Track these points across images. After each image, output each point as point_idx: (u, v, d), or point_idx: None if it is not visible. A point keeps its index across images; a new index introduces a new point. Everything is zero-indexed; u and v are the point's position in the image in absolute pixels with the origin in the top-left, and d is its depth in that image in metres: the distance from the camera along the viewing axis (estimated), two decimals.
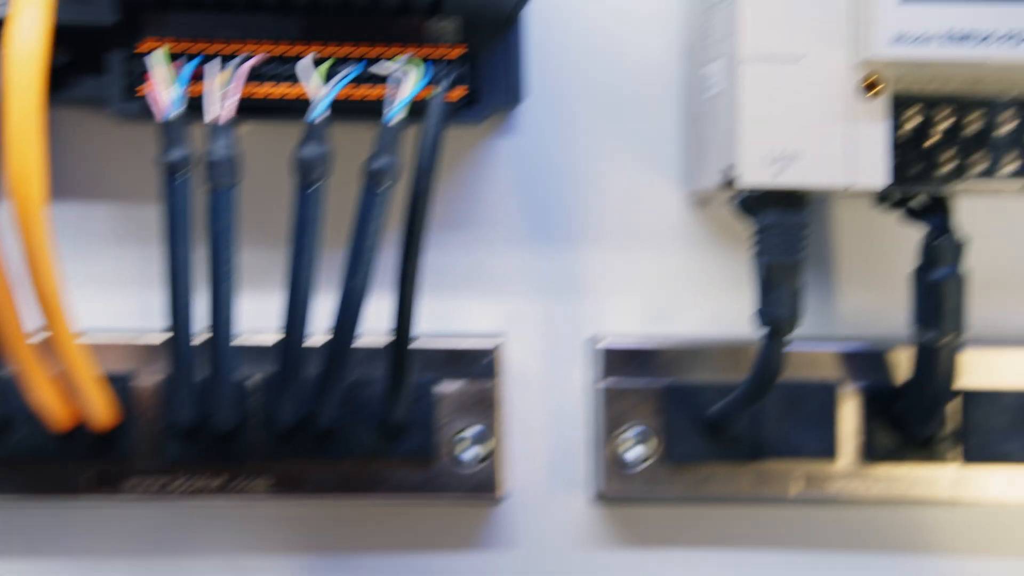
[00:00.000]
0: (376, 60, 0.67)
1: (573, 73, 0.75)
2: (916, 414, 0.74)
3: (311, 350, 0.66)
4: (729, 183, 0.69)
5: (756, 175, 0.67)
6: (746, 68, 0.67)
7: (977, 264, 0.74)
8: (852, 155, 0.67)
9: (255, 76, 0.67)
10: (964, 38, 0.66)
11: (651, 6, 0.76)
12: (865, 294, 0.77)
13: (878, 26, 0.65)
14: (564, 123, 0.75)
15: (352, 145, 0.68)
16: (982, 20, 0.66)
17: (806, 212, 0.69)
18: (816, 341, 0.75)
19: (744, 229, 0.75)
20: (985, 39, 0.66)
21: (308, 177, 0.64)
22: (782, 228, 0.69)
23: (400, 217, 0.65)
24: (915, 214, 0.73)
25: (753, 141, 0.67)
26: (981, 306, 0.75)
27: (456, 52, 0.68)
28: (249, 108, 0.67)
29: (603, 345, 0.75)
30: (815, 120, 0.67)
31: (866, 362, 0.75)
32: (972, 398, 0.75)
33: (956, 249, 0.72)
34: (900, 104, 0.69)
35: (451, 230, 0.75)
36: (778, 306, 0.69)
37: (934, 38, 0.66)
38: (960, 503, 0.76)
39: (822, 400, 0.75)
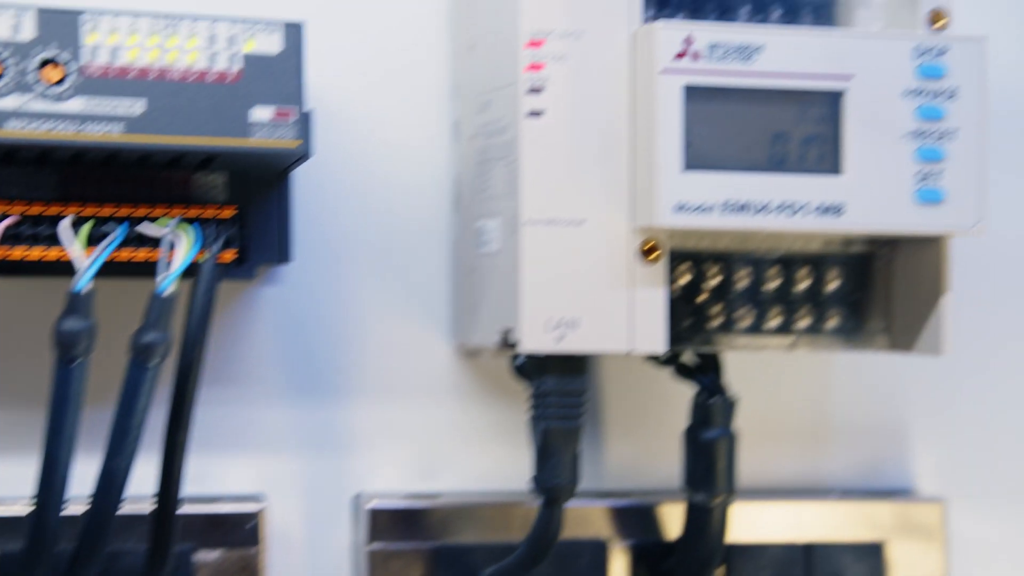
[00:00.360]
0: (141, 220, 0.63)
1: (343, 226, 0.73)
2: (688, 572, 0.73)
3: (66, 522, 0.61)
4: (508, 345, 0.67)
5: (537, 341, 0.66)
6: (528, 231, 0.66)
7: (744, 417, 0.74)
8: (632, 320, 0.67)
9: (9, 237, 0.62)
10: (743, 208, 0.66)
11: (423, 160, 0.74)
12: (634, 447, 0.77)
13: (660, 195, 0.65)
14: (333, 276, 0.73)
15: (119, 301, 0.65)
16: (760, 190, 0.66)
17: (586, 378, 0.68)
18: (587, 498, 0.74)
19: (517, 382, 0.73)
20: (763, 209, 0.66)
21: (69, 352, 0.59)
22: (561, 394, 0.68)
23: (168, 379, 0.62)
24: (686, 372, 0.73)
25: (534, 306, 0.66)
26: (747, 458, 0.76)
27: (226, 212, 0.64)
28: (5, 268, 0.62)
29: (370, 506, 0.72)
30: (596, 284, 0.66)
31: (636, 518, 0.75)
32: (738, 552, 0.75)
33: (727, 409, 0.72)
34: (672, 260, 0.69)
35: (215, 385, 0.71)
36: (555, 474, 0.68)
37: (715, 207, 0.66)
38: None
39: (594, 558, 0.74)
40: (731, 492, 0.71)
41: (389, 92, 0.73)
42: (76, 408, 0.60)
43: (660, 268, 0.67)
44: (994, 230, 0.71)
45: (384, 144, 0.73)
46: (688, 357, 0.73)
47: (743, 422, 0.74)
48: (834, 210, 0.67)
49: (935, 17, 0.70)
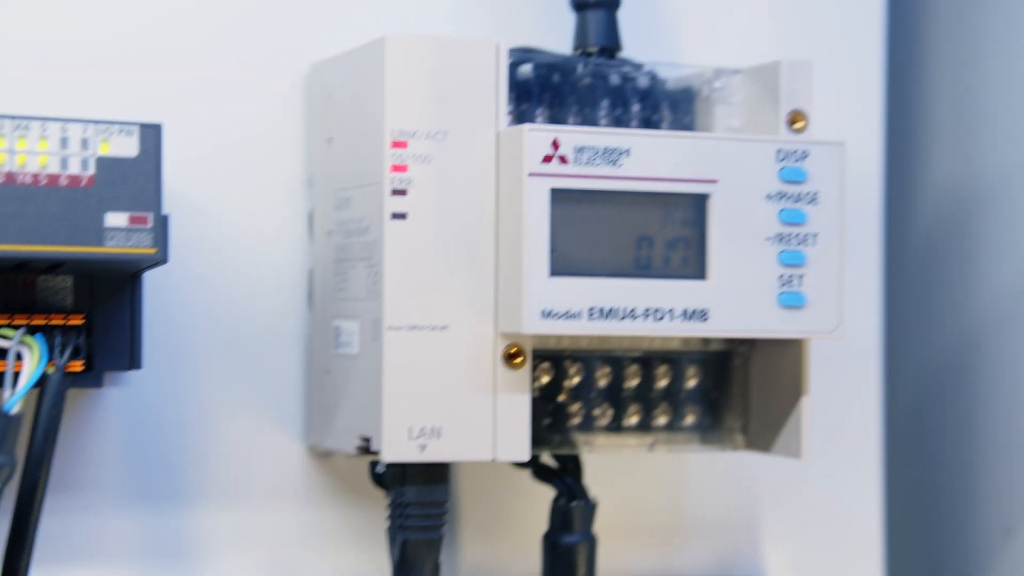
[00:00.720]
0: None
1: (193, 323, 0.70)
2: None
3: None
4: (367, 452, 0.65)
5: (399, 451, 0.64)
6: (391, 337, 0.64)
7: (600, 513, 0.73)
8: (496, 427, 0.65)
9: None
10: (610, 313, 0.65)
11: (277, 254, 0.71)
12: (491, 550, 0.75)
13: (526, 301, 0.63)
14: (182, 375, 0.70)
15: None
16: (626, 296, 0.65)
17: (447, 487, 0.66)
18: None
19: (373, 486, 0.71)
20: (629, 314, 0.65)
21: None
22: (422, 505, 0.66)
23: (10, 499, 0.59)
24: (545, 474, 0.72)
25: (396, 414, 0.64)
26: (603, 555, 0.74)
27: (74, 320, 0.61)
28: None
29: None
30: (459, 391, 0.64)
31: None
32: None
33: (587, 513, 0.71)
34: (532, 361, 0.68)
35: (57, 494, 0.67)
36: None
37: (581, 313, 0.64)
38: None
39: None
40: None
41: (242, 183, 0.71)
42: None
43: (524, 373, 0.65)
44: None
45: (237, 237, 0.71)
46: (548, 460, 0.72)
47: (599, 518, 0.73)
48: (699, 315, 0.66)
49: (794, 118, 0.70)
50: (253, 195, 0.71)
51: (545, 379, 0.70)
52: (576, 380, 0.70)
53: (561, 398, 0.70)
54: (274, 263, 0.71)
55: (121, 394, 0.69)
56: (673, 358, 0.72)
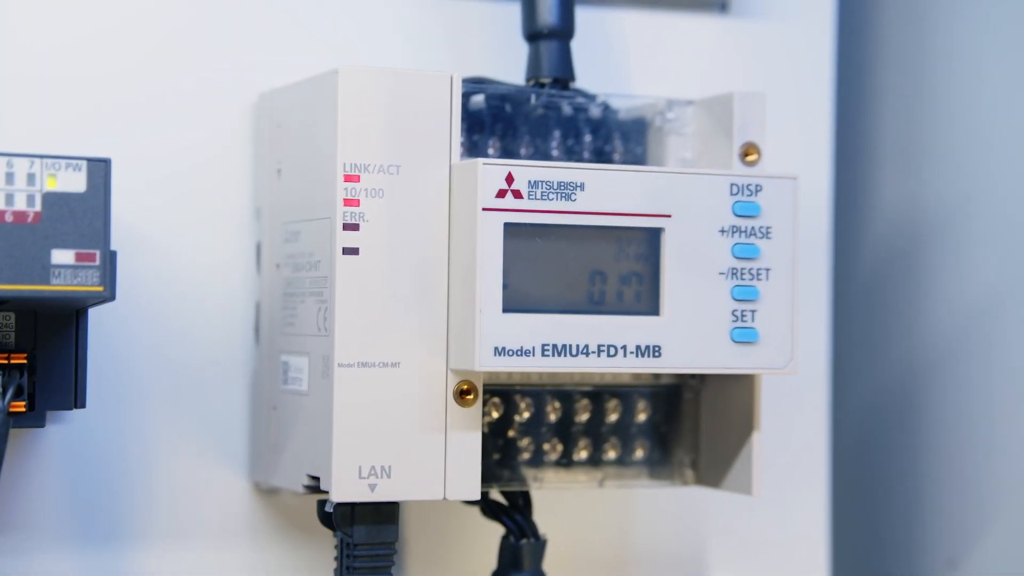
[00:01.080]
0: None
1: (136, 357, 0.68)
2: None
3: None
4: (315, 491, 0.64)
5: (349, 491, 0.62)
6: (341, 375, 0.62)
7: (551, 550, 0.72)
8: (446, 465, 0.64)
9: None
10: (563, 350, 0.64)
11: (223, 286, 0.70)
12: None
13: (478, 338, 0.62)
14: (125, 410, 0.68)
15: None
16: (579, 332, 0.64)
17: (396, 528, 0.65)
18: None
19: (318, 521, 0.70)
20: (583, 351, 0.64)
21: None
22: (371, 545, 0.64)
23: None
24: (494, 512, 0.70)
25: (346, 454, 0.62)
26: None
27: (16, 358, 0.59)
28: None
29: None
30: (410, 429, 0.63)
31: None
32: None
33: (536, 551, 0.70)
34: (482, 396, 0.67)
35: None
36: None
37: (534, 350, 0.63)
38: None
39: None
40: None
41: (189, 213, 0.69)
42: None
43: (475, 411, 0.64)
44: None
45: (182, 268, 0.69)
46: (497, 497, 0.71)
47: (547, 552, 0.72)
48: (653, 351, 0.65)
49: (747, 151, 0.70)
50: (200, 225, 0.70)
51: (495, 414, 0.69)
52: (526, 415, 0.69)
53: (511, 433, 0.69)
54: (220, 295, 0.70)
55: (64, 432, 0.67)
56: (623, 392, 0.71)
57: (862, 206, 0.90)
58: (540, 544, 0.70)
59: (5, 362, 0.59)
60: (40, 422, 0.62)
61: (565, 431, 0.70)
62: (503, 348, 0.63)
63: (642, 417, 0.71)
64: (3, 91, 0.66)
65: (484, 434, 0.67)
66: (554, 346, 0.64)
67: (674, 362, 0.66)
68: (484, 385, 0.66)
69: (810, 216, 0.81)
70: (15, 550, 0.66)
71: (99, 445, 0.68)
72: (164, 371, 0.69)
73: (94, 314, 0.65)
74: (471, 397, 0.64)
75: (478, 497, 0.65)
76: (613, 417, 0.71)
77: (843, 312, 0.87)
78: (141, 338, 0.68)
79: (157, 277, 0.69)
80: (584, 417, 0.71)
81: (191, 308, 0.69)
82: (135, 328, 0.68)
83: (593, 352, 0.64)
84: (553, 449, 0.70)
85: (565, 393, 0.70)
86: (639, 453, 0.71)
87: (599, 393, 0.71)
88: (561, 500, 0.76)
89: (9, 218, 0.55)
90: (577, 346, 0.64)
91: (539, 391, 0.70)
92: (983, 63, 0.84)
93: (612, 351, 0.65)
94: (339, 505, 0.64)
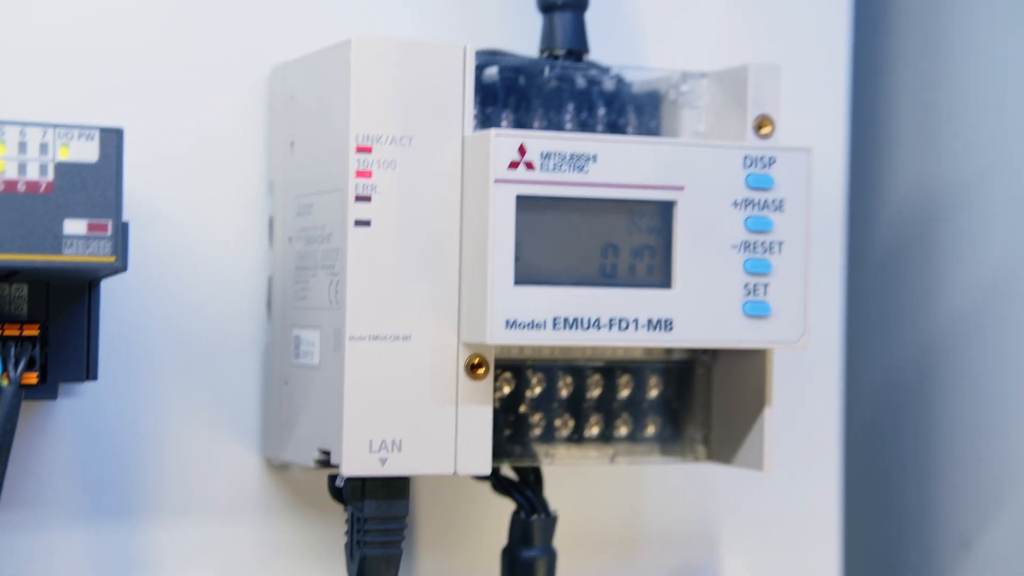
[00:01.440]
0: None
1: (149, 331, 0.68)
2: None
3: None
4: (326, 465, 0.64)
5: (359, 464, 0.62)
6: (353, 348, 0.62)
7: (559, 526, 0.72)
8: (457, 440, 0.64)
9: None
10: (574, 323, 0.64)
11: (236, 260, 0.70)
12: (448, 564, 0.74)
13: (490, 311, 0.62)
14: (137, 385, 0.68)
15: None
16: (591, 305, 0.64)
17: (407, 502, 0.65)
18: None
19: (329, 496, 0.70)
20: (595, 324, 0.64)
21: None
22: (381, 520, 0.64)
23: None
24: (505, 487, 0.70)
25: (357, 427, 0.62)
26: (561, 569, 0.73)
27: (29, 330, 0.59)
28: None
29: None
30: (421, 403, 0.63)
31: None
32: None
33: (547, 527, 0.70)
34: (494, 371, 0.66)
35: (7, 508, 0.65)
36: None
37: (546, 323, 0.63)
38: None
39: None
40: None
41: (202, 187, 0.69)
42: None
43: (486, 384, 0.64)
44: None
45: (195, 242, 0.69)
46: (509, 472, 0.71)
47: (558, 530, 0.72)
48: (665, 324, 0.65)
49: (761, 123, 0.69)
50: (213, 199, 0.69)
51: (506, 389, 0.69)
52: (538, 390, 0.69)
53: (522, 409, 0.69)
54: (233, 269, 0.70)
55: (75, 405, 0.67)
56: (635, 367, 0.71)
57: (877, 180, 0.89)
58: (551, 520, 0.70)
59: (17, 333, 0.59)
60: (52, 394, 0.62)
61: (577, 407, 0.70)
62: (515, 321, 0.63)
63: (654, 393, 0.71)
64: (17, 64, 0.66)
65: (495, 409, 0.67)
66: (566, 319, 0.64)
67: (686, 336, 0.65)
68: (496, 360, 0.66)
69: (824, 190, 0.81)
70: (26, 523, 0.66)
71: (111, 418, 0.67)
72: (176, 345, 0.69)
73: (106, 287, 0.65)
74: (482, 371, 0.64)
75: (489, 471, 0.64)
76: (625, 393, 0.71)
77: (857, 287, 0.87)
78: (153, 311, 0.68)
79: (170, 251, 0.69)
80: (596, 393, 0.70)
81: (203, 282, 0.69)
82: (147, 301, 0.68)
83: (605, 325, 0.64)
84: (564, 425, 0.70)
85: (577, 368, 0.70)
86: (651, 429, 0.71)
87: (611, 369, 0.70)
88: (572, 476, 0.76)
89: (22, 188, 0.55)
90: (589, 319, 0.64)
91: (551, 366, 0.69)
92: (1002, 37, 0.84)
93: (624, 324, 0.65)
94: (350, 479, 0.64)
